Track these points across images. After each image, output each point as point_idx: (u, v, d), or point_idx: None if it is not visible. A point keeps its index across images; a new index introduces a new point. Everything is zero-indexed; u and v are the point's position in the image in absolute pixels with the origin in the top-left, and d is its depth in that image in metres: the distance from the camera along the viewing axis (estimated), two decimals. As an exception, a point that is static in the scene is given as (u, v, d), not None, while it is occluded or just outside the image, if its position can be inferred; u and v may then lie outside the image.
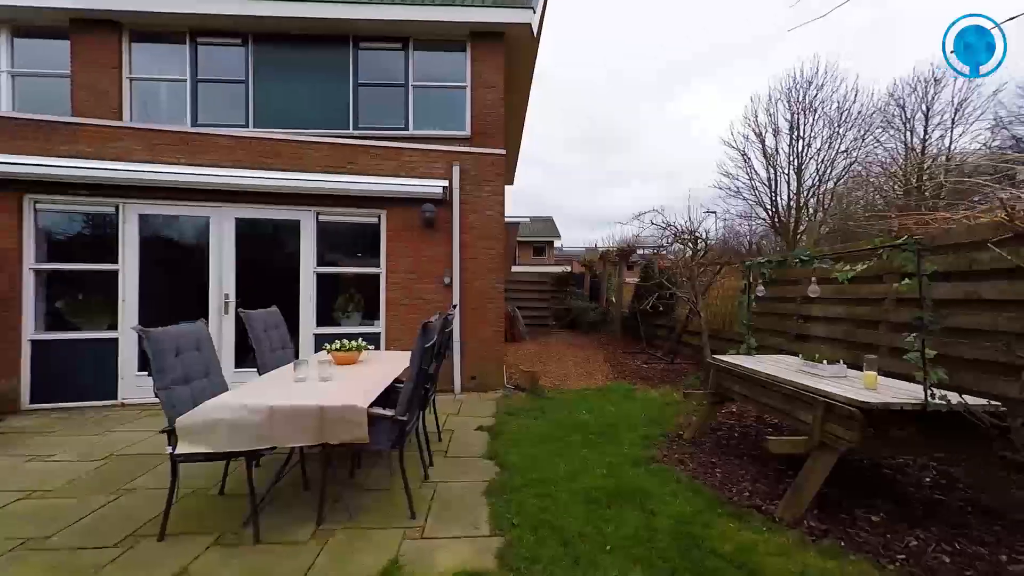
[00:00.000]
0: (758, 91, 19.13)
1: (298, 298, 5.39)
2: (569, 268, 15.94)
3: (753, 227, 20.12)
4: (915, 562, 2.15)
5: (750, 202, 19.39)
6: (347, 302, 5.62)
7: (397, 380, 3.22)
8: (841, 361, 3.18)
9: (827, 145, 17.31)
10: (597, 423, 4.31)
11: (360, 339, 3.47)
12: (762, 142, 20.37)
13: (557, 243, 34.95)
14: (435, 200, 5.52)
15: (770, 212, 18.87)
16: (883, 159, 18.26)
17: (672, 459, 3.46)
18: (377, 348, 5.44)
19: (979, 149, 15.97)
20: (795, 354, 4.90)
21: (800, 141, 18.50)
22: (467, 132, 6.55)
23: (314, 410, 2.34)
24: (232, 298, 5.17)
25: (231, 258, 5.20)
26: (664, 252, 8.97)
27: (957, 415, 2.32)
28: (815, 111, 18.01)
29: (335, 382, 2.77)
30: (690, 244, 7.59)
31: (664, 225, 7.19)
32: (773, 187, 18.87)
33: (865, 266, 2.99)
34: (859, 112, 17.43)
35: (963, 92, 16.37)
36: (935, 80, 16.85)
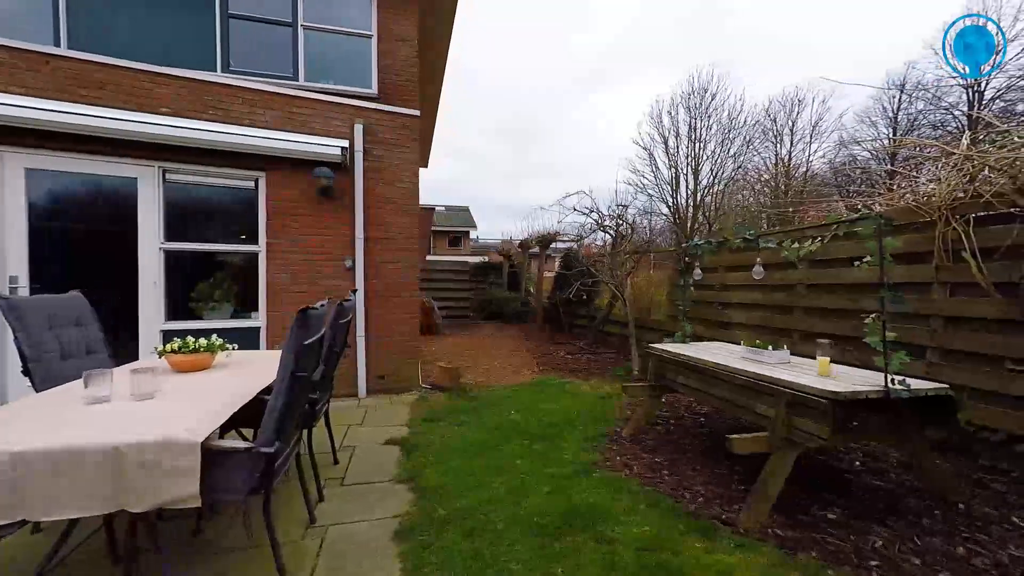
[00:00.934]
0: (662, 94, 20.49)
1: (137, 283, 4.02)
2: (487, 258, 15.38)
3: (652, 222, 21.57)
4: (889, 567, 1.94)
5: (655, 199, 20.73)
6: (212, 289, 4.36)
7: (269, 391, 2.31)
8: (785, 347, 3.02)
9: (720, 148, 19.17)
10: (532, 425, 3.78)
11: (215, 336, 2.46)
12: (665, 143, 21.91)
13: (473, 233, 34.30)
14: (332, 163, 4.50)
15: (671, 208, 20.32)
16: (759, 166, 20.69)
17: (618, 463, 3.05)
18: (257, 347, 4.31)
19: (825, 164, 19.30)
20: (716, 340, 4.92)
21: (698, 143, 20.26)
22: (373, 91, 5.55)
23: (102, 453, 1.41)
24: (24, 281, 3.65)
25: (20, 225, 3.65)
26: (586, 241, 8.84)
27: (910, 400, 2.19)
28: (709, 116, 19.84)
29: (158, 402, 1.82)
30: (611, 231, 7.48)
31: (588, 210, 6.94)
32: (674, 185, 20.37)
33: (816, 245, 2.85)
34: (744, 121, 19.45)
35: (818, 113, 19.14)
36: (799, 100, 19.57)
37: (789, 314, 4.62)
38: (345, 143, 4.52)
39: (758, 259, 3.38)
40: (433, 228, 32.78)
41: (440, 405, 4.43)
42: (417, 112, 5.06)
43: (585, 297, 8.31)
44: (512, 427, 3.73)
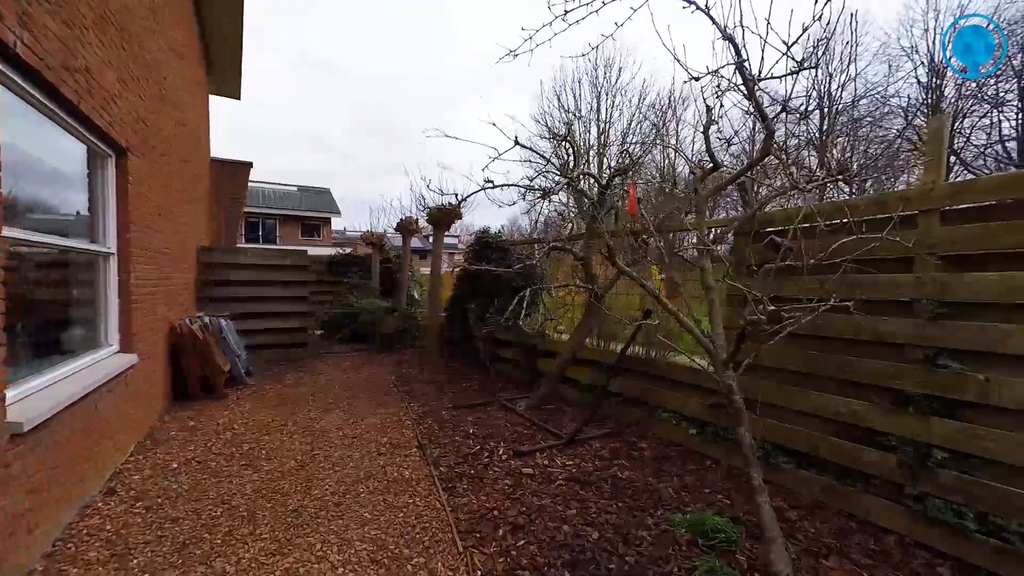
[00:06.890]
0: (561, 69, 18.20)
1: None
2: (350, 250, 10.72)
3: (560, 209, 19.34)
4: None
5: (550, 178, 18.39)
6: None
7: None
8: None
9: (628, 130, 17.47)
10: None
11: None
12: (568, 126, 19.66)
13: (337, 223, 28.09)
14: None
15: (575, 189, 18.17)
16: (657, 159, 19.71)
17: None
18: None
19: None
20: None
21: (605, 124, 18.36)
22: None
23: None
24: None
25: None
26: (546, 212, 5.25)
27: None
28: (615, 95, 18.05)
29: None
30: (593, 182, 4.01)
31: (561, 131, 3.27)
32: (580, 166, 18.26)
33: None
34: (655, 100, 18.13)
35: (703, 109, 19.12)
36: (682, 99, 18.95)
37: None
38: None
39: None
40: (283, 212, 25.71)
41: None
42: None
43: (520, 314, 4.62)
44: None
